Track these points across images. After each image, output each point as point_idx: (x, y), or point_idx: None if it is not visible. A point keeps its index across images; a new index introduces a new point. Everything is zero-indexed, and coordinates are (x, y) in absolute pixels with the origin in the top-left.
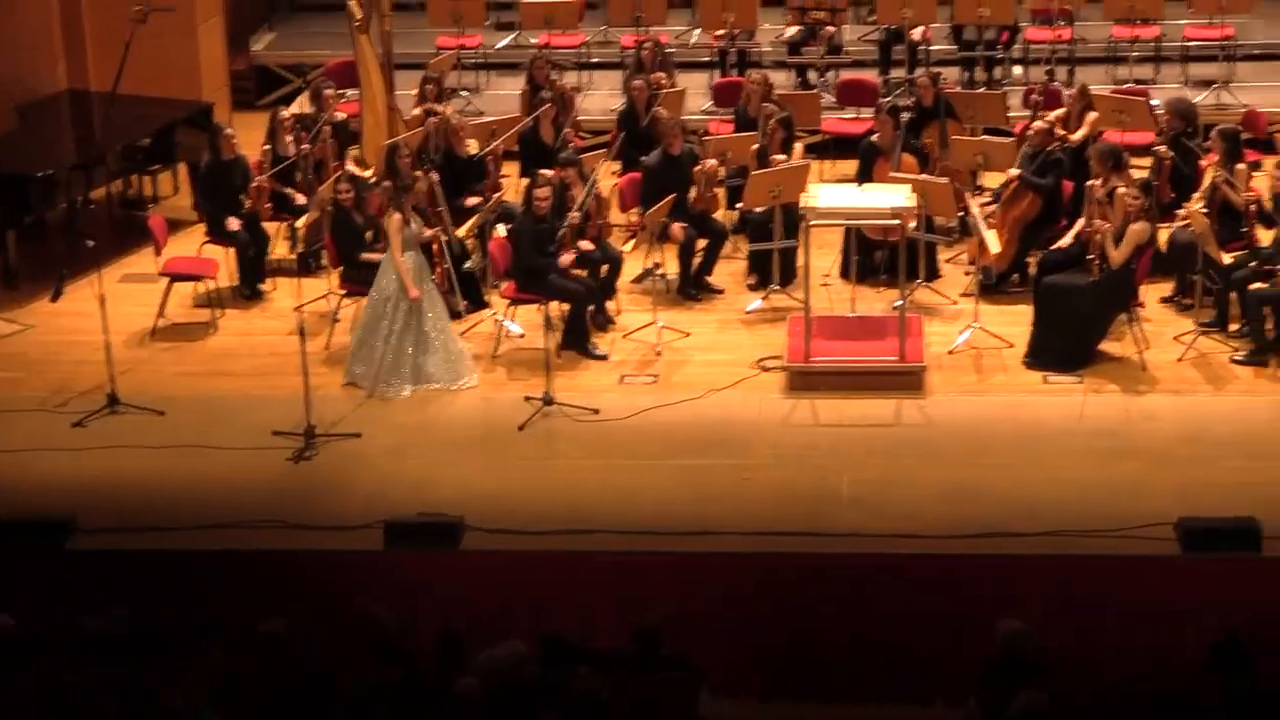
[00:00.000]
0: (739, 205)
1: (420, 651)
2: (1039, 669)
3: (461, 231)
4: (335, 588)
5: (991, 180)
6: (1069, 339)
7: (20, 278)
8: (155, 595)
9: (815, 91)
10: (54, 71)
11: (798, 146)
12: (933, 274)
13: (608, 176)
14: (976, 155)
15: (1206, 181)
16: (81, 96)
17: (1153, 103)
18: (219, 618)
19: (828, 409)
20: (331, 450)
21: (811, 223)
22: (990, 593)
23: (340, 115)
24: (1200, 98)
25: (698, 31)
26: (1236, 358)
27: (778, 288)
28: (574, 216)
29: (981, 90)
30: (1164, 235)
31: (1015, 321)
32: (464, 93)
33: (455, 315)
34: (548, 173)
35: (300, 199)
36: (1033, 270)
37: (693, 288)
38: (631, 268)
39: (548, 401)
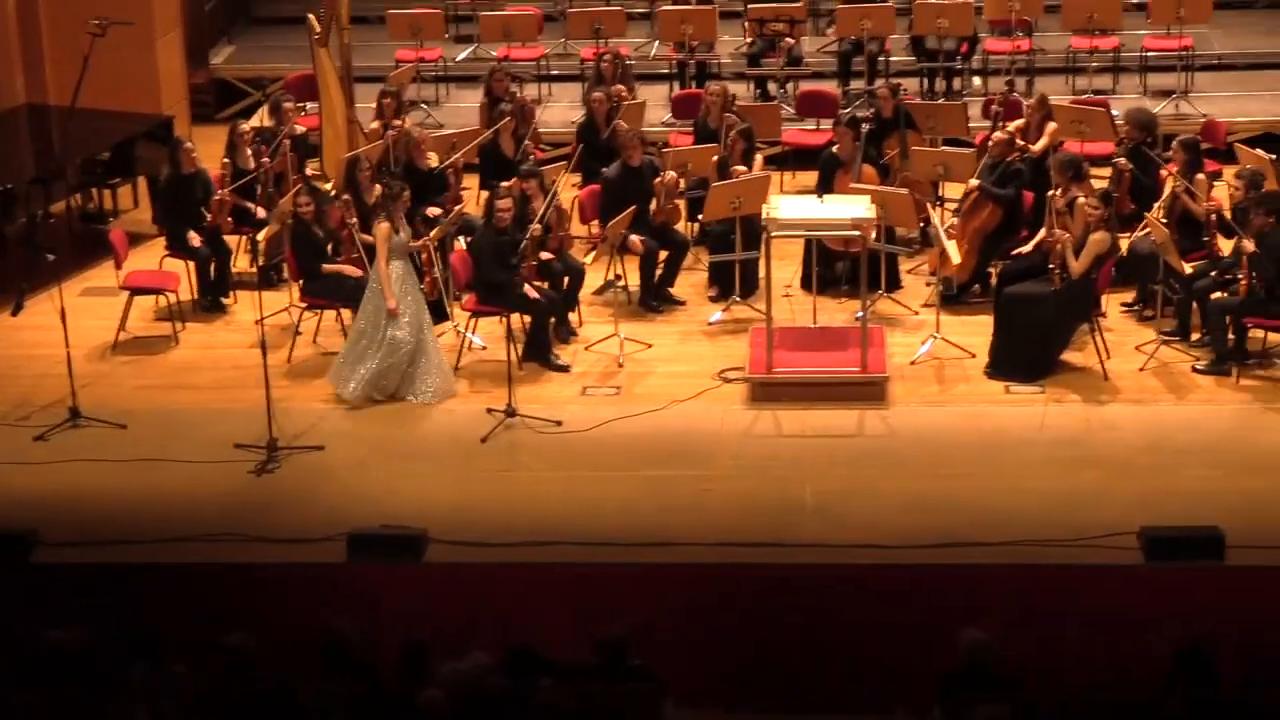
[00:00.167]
0: (700, 217)
1: (383, 664)
2: (1001, 679)
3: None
4: (298, 600)
5: (952, 191)
6: (1030, 349)
7: None
8: (118, 609)
9: (775, 103)
10: (12, 85)
11: (758, 158)
12: (894, 285)
13: (568, 189)
14: (937, 166)
15: (1167, 191)
16: (40, 110)
17: (1113, 113)
18: (182, 631)
19: (790, 420)
20: (294, 463)
21: (773, 234)
22: (953, 603)
23: (300, 128)
24: (1159, 108)
25: (657, 44)
26: (1198, 367)
27: (739, 299)
28: (535, 228)
29: (941, 101)
30: (1124, 244)
31: (977, 332)
32: (423, 105)
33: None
34: (508, 184)
35: (261, 212)
36: (994, 281)
37: (654, 299)
38: (593, 279)
39: (510, 413)
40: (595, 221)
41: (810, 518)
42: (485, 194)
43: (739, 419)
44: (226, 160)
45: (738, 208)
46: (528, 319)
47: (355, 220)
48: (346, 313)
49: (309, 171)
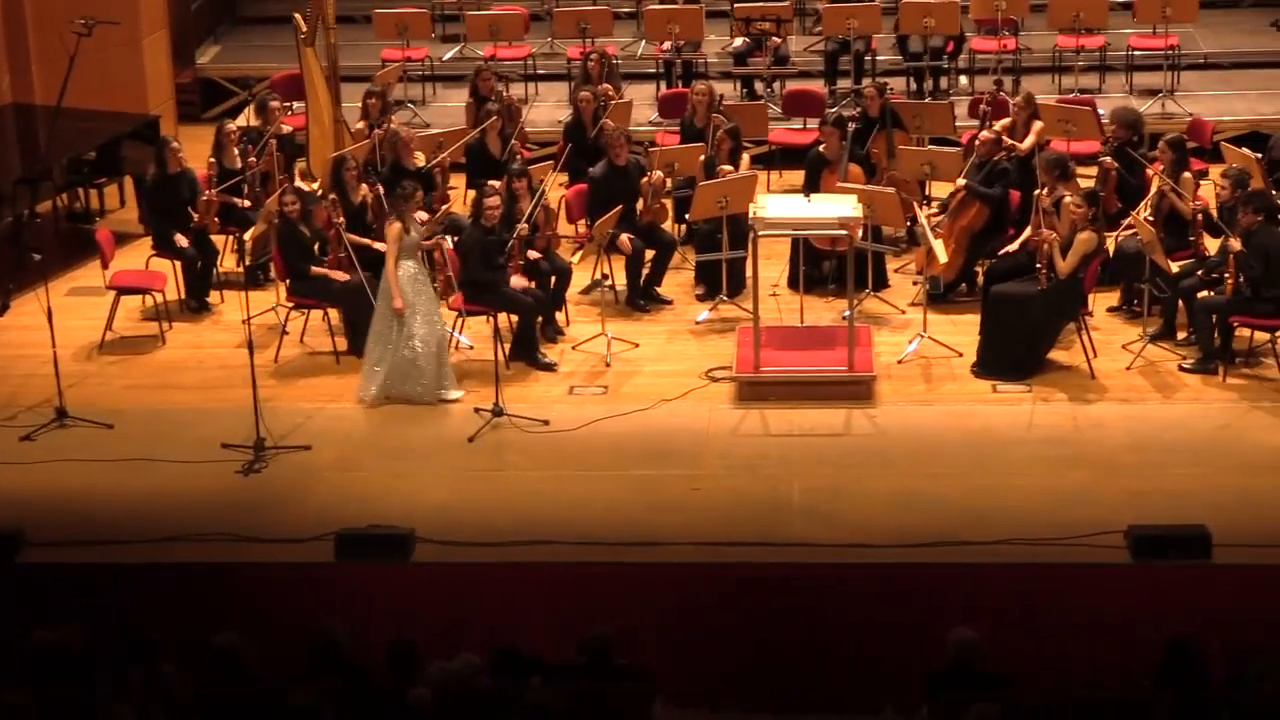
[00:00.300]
0: (687, 216)
1: (372, 664)
2: (990, 678)
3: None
4: (286, 600)
5: (939, 190)
6: (1017, 348)
7: None
8: (105, 609)
9: (762, 102)
10: None
11: (745, 157)
12: (881, 284)
13: (555, 188)
14: (923, 165)
15: (1153, 190)
16: (26, 110)
17: (1099, 112)
18: (170, 631)
19: (777, 419)
20: (281, 463)
21: (760, 233)
22: (940, 602)
23: (286, 128)
24: (1145, 107)
25: (643, 43)
26: (1184, 366)
27: (726, 298)
28: (522, 228)
29: (928, 100)
30: (1111, 243)
31: (963, 331)
32: (410, 105)
33: None
34: (495, 184)
35: (247, 204)
36: (981, 280)
37: (641, 299)
38: (580, 279)
39: (497, 413)
40: (582, 221)
41: (798, 517)
42: (472, 193)
43: (726, 418)
44: (213, 160)
45: (725, 207)
46: (515, 318)
47: (342, 220)
48: (334, 312)
49: (296, 171)
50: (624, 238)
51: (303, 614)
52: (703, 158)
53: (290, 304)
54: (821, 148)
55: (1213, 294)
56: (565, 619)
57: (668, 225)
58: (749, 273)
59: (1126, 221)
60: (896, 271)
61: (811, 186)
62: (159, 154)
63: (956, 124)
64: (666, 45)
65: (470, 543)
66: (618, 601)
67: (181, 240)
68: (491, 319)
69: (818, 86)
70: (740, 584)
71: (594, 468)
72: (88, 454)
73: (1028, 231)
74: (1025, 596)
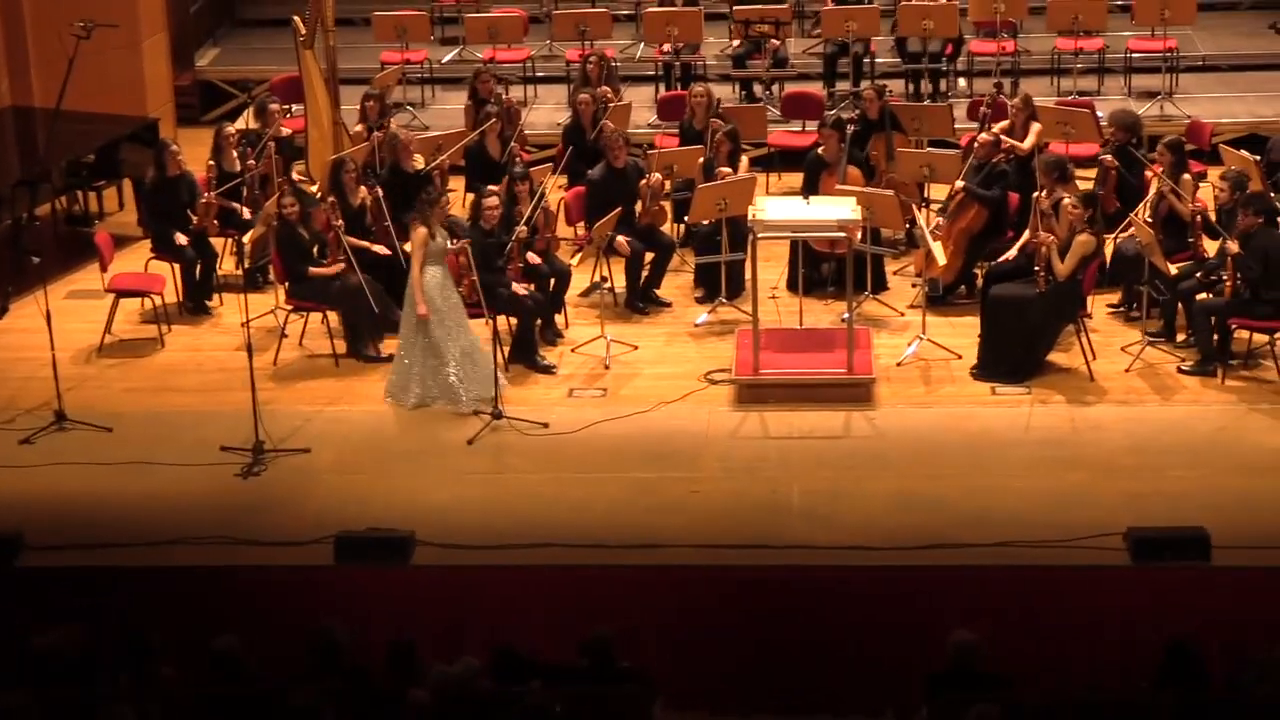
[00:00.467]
0: (686, 219)
1: (371, 666)
2: (989, 679)
3: (408, 246)
4: (286, 603)
5: (938, 192)
6: (1016, 350)
7: None
8: (105, 612)
9: (760, 105)
10: None
11: (744, 160)
12: (880, 286)
13: (554, 190)
14: (922, 167)
15: (1152, 192)
16: (25, 113)
17: (1097, 114)
18: (170, 634)
19: (776, 421)
20: (280, 466)
21: (759, 235)
22: (940, 603)
23: (285, 130)
24: (1144, 109)
25: (642, 45)
26: (1183, 368)
27: (725, 301)
28: (521, 230)
29: (926, 103)
30: (1110, 246)
31: (962, 333)
32: (409, 107)
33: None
34: (494, 187)
35: (247, 213)
36: (979, 282)
37: (640, 301)
38: (579, 281)
39: (497, 415)
40: (581, 223)
41: (797, 519)
42: (471, 196)
43: (725, 420)
44: (212, 163)
45: (724, 209)
46: (514, 320)
47: (341, 223)
48: (333, 315)
49: (294, 174)
50: (621, 240)
51: (302, 617)
52: (701, 160)
53: (289, 307)
54: (820, 150)
55: (1211, 296)
56: (565, 621)
57: (667, 227)
58: (748, 275)
59: (1125, 223)
60: (895, 274)
61: (810, 189)
62: (158, 157)
63: (955, 126)
64: (665, 48)
65: (470, 545)
66: (617, 604)
67: (181, 242)
68: (490, 321)
69: (816, 89)
70: (740, 586)
71: (593, 470)
72: (87, 457)
73: (1026, 234)
74: (1024, 598)
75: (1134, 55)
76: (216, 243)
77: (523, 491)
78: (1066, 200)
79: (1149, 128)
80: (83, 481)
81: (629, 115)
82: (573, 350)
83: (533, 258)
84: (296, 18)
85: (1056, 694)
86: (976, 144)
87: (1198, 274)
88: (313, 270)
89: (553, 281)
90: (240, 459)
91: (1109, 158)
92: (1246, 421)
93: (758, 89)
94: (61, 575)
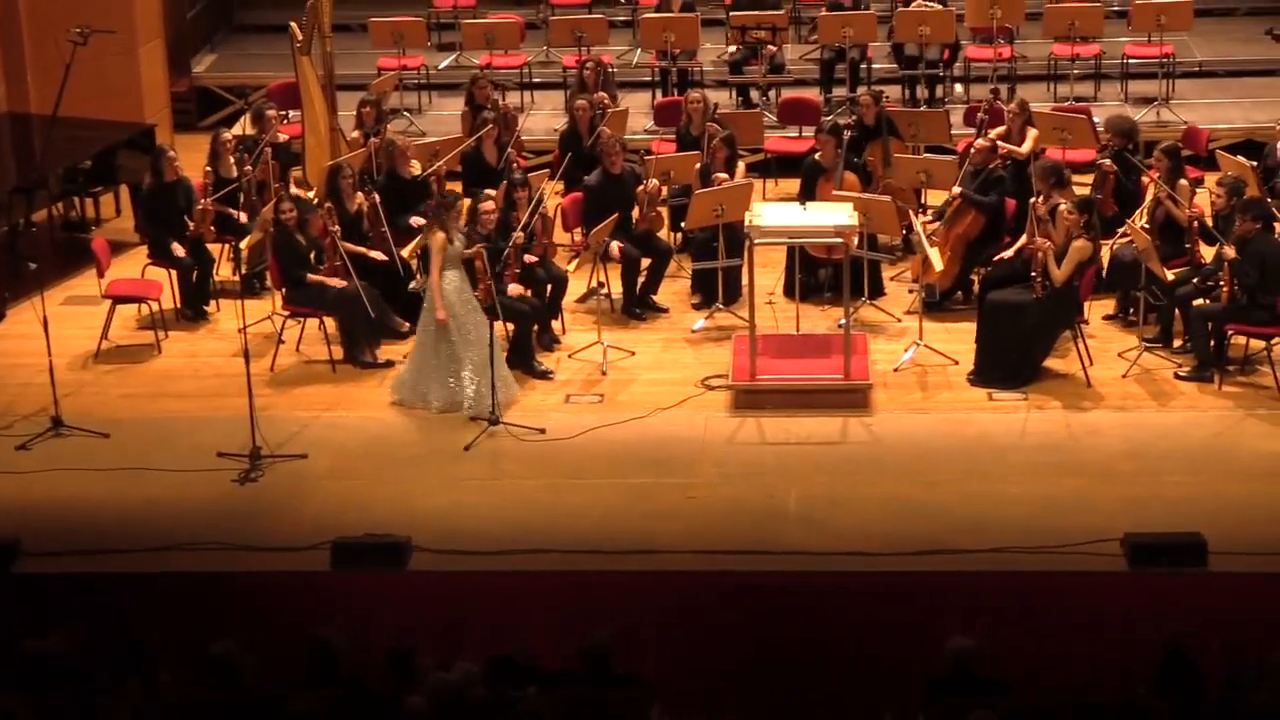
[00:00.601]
0: (683, 225)
1: (369, 672)
2: (986, 685)
3: (405, 252)
4: (283, 609)
5: (935, 198)
6: (1013, 356)
7: None
8: (102, 618)
9: (757, 111)
10: None
11: (740, 165)
12: (877, 292)
13: (551, 196)
14: (919, 173)
15: (1149, 198)
16: (22, 119)
17: (1094, 120)
18: (167, 640)
19: (773, 427)
20: (277, 471)
21: (755, 241)
22: (937, 609)
23: (282, 136)
24: (1141, 115)
25: (639, 51)
26: (1180, 374)
27: (722, 306)
28: (518, 236)
29: (923, 108)
30: (1106, 252)
31: (959, 339)
32: (406, 113)
33: (402, 336)
34: (491, 192)
35: (243, 219)
36: (976, 288)
37: (637, 307)
38: (576, 287)
39: (493, 421)
40: (578, 229)
41: (794, 525)
42: (468, 201)
43: (722, 426)
44: (209, 169)
45: (720, 215)
46: (511, 326)
47: (338, 228)
48: (330, 321)
49: (291, 180)
50: (614, 246)
51: (299, 622)
52: (698, 166)
53: (286, 312)
54: (817, 156)
55: (1208, 301)
56: (562, 627)
57: (663, 233)
58: (745, 281)
59: (1122, 229)
60: (892, 279)
61: (807, 194)
62: (155, 163)
63: (952, 132)
64: (662, 53)
65: (467, 551)
66: (615, 609)
67: (178, 249)
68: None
69: (813, 95)
70: (737, 591)
71: (590, 476)
72: (84, 463)
73: (1023, 239)
74: (1022, 604)
75: (1131, 61)
76: (213, 249)
77: (520, 497)
78: (1063, 206)
79: (1146, 133)
80: (80, 487)
81: (626, 121)
82: (570, 356)
83: (530, 259)
84: (293, 24)
85: (1054, 699)
86: (973, 150)
87: (1194, 280)
88: (311, 276)
89: (550, 287)
90: (237, 465)
91: (1107, 163)
92: (1243, 427)
93: (754, 95)
94: (59, 581)
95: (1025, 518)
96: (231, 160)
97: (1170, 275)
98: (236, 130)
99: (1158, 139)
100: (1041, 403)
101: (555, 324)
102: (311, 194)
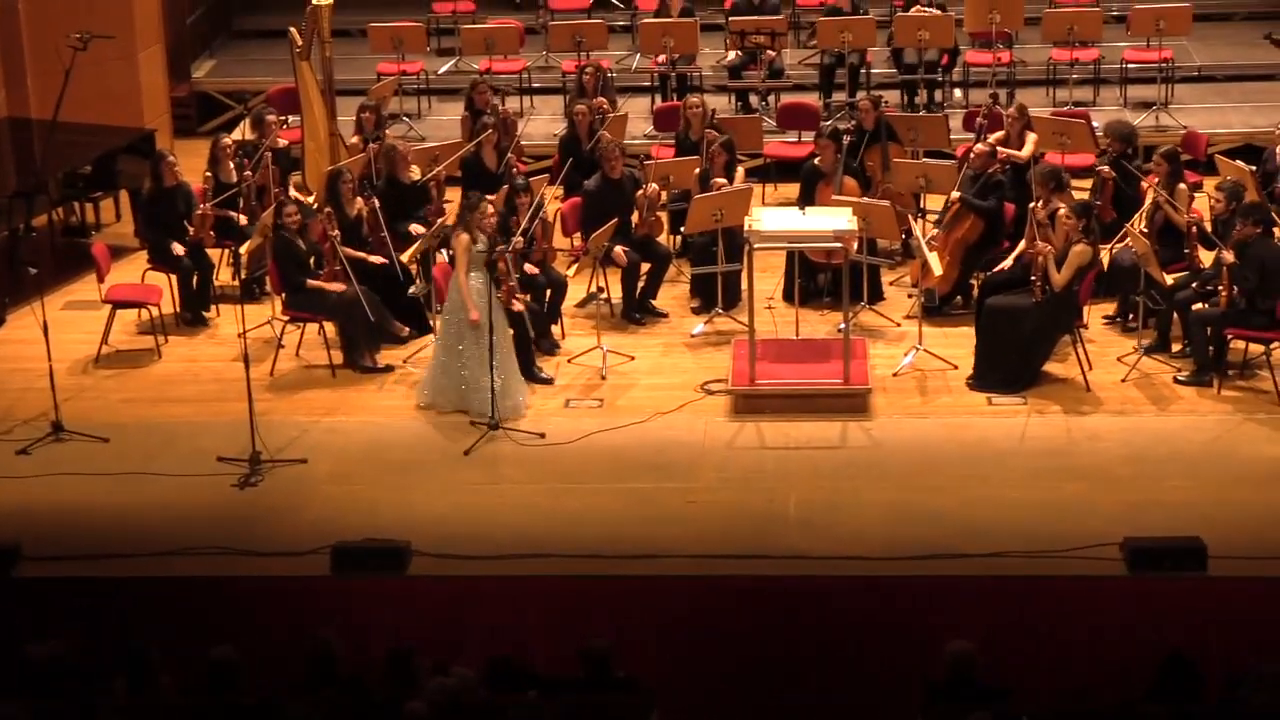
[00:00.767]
0: (682, 229)
1: (368, 676)
2: (985, 689)
3: (405, 257)
4: (282, 614)
5: (934, 203)
6: (1012, 360)
7: None
8: (102, 622)
9: (756, 115)
10: None
11: (740, 170)
12: (876, 296)
13: (551, 201)
14: (918, 178)
15: (1148, 202)
16: (22, 124)
17: (1093, 125)
18: (167, 644)
19: (773, 431)
20: (277, 476)
21: (755, 246)
22: (936, 614)
23: (282, 142)
24: (1140, 120)
25: (638, 56)
26: (1179, 378)
27: (721, 311)
28: (517, 240)
29: (922, 113)
30: (1105, 256)
31: (959, 343)
32: (405, 118)
33: (401, 341)
34: (491, 196)
35: (244, 221)
36: (975, 292)
37: (637, 311)
38: (575, 292)
39: (493, 426)
40: (577, 234)
41: (793, 529)
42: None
43: (722, 431)
44: (209, 174)
45: (719, 220)
46: (511, 331)
47: (337, 233)
48: (329, 326)
49: (291, 185)
50: (618, 250)
51: (299, 627)
52: (697, 171)
53: (286, 317)
54: (816, 161)
55: (1207, 306)
56: (561, 631)
57: (663, 238)
58: (744, 285)
59: (1121, 234)
60: (891, 284)
61: (806, 199)
62: (154, 168)
63: (951, 137)
64: (661, 59)
65: (466, 556)
66: (614, 613)
67: (177, 248)
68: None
69: (812, 100)
70: (737, 596)
71: (590, 481)
72: (84, 468)
73: (1022, 244)
74: (1021, 608)
75: (1129, 66)
76: (213, 254)
77: (519, 502)
78: (1062, 211)
79: (1144, 138)
80: (80, 492)
81: (625, 126)
82: (569, 361)
83: (530, 268)
84: (293, 29)
85: (1052, 704)
86: (972, 154)
87: (1194, 284)
88: (311, 281)
89: (549, 292)
90: (237, 469)
91: (1106, 168)
92: (1243, 431)
93: (753, 100)
94: (59, 585)
95: (1024, 522)
96: (231, 165)
97: (1169, 280)
98: (236, 135)
99: (1157, 144)
100: (1041, 407)
101: (555, 329)
102: (311, 199)
